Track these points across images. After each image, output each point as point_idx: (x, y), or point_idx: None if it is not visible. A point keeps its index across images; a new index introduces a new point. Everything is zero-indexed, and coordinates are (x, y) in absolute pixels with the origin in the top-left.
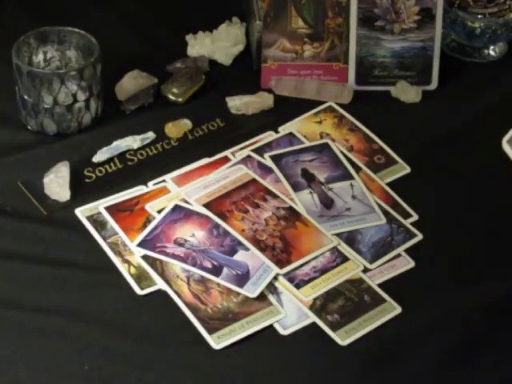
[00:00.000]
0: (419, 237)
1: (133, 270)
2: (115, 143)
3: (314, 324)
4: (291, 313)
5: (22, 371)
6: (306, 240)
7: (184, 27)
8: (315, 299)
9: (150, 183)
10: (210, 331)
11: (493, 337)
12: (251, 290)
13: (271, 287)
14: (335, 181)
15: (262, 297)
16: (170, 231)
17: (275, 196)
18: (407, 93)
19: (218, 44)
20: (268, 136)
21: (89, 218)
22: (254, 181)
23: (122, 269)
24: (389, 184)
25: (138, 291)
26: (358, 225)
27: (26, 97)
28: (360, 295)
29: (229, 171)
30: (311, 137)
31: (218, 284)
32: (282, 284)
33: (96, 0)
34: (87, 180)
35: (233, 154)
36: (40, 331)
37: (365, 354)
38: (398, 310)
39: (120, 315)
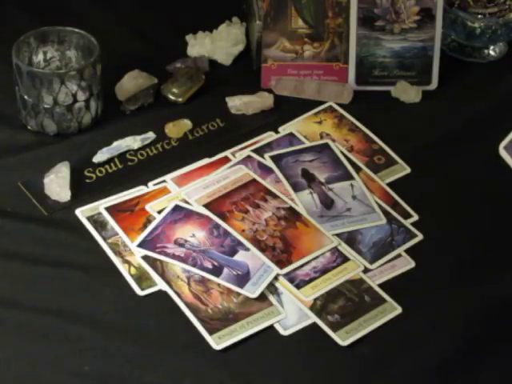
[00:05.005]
0: (419, 237)
1: (133, 270)
2: (115, 143)
3: (314, 324)
4: (292, 313)
5: (22, 371)
6: (306, 240)
7: (184, 27)
8: (316, 299)
9: (151, 183)
10: (211, 331)
11: (493, 337)
12: (251, 291)
13: (271, 287)
14: (335, 181)
15: (262, 297)
16: (171, 231)
17: (275, 196)
18: (407, 93)
19: (217, 44)
20: (268, 136)
21: (89, 219)
22: (254, 181)
23: (123, 269)
24: (389, 184)
25: (139, 292)
26: (359, 225)
27: (26, 97)
28: (360, 295)
29: (229, 171)
30: (311, 137)
31: (219, 284)
32: (283, 284)
33: (96, 0)
34: (87, 180)
35: (233, 154)
36: (40, 331)
37: (365, 355)
38: (399, 310)
39: (120, 316)
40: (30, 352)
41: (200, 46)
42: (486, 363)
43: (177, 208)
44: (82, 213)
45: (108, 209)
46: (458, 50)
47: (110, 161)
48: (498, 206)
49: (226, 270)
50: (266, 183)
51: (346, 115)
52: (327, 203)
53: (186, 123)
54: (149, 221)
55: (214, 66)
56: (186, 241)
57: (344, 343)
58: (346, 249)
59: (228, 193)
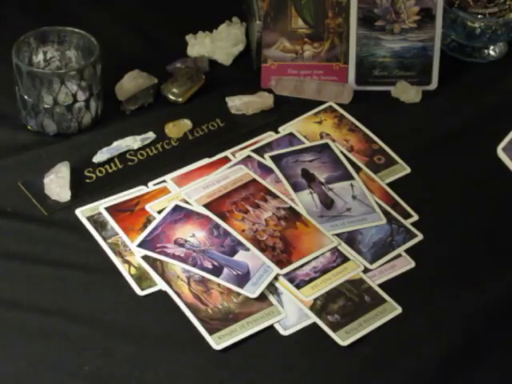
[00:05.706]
0: (419, 237)
1: (133, 270)
2: (115, 143)
3: (314, 324)
4: (292, 313)
5: (22, 371)
6: (306, 240)
7: (184, 27)
8: (316, 299)
9: (151, 183)
10: (211, 332)
11: (493, 337)
12: (251, 291)
13: (271, 287)
14: (335, 181)
15: (262, 297)
16: (171, 231)
17: (275, 196)
18: (407, 93)
19: (217, 44)
20: (268, 136)
21: (89, 219)
22: (254, 181)
23: (123, 269)
24: (389, 184)
25: (139, 292)
26: (359, 225)
27: (26, 97)
28: (360, 295)
29: (229, 171)
30: (311, 137)
31: (219, 284)
32: (283, 284)
33: (96, 0)
34: (87, 180)
35: (233, 154)
36: (40, 331)
37: (365, 354)
38: (399, 310)
39: (120, 316)
40: (29, 352)
41: (200, 46)
42: (485, 363)
43: (177, 208)
44: (81, 213)
45: (108, 209)
46: (458, 50)
47: (110, 161)
48: (498, 205)
49: (225, 270)
50: (266, 183)
51: (346, 115)
52: (327, 203)
53: (186, 123)
54: (149, 221)
55: (214, 66)
56: (186, 241)
57: (344, 343)
58: (346, 249)
59: (228, 193)
